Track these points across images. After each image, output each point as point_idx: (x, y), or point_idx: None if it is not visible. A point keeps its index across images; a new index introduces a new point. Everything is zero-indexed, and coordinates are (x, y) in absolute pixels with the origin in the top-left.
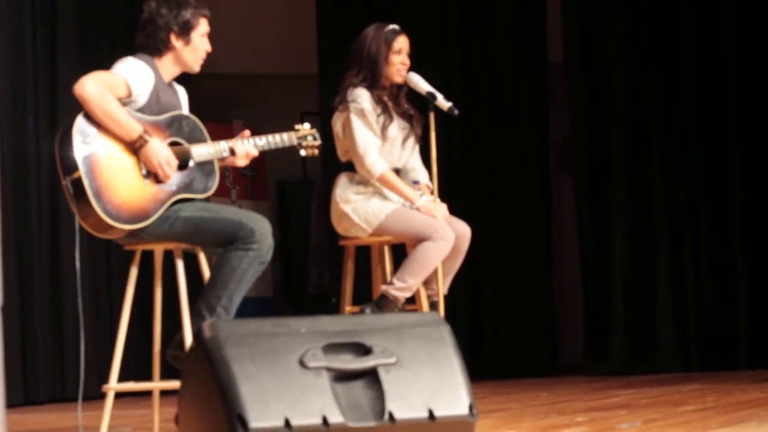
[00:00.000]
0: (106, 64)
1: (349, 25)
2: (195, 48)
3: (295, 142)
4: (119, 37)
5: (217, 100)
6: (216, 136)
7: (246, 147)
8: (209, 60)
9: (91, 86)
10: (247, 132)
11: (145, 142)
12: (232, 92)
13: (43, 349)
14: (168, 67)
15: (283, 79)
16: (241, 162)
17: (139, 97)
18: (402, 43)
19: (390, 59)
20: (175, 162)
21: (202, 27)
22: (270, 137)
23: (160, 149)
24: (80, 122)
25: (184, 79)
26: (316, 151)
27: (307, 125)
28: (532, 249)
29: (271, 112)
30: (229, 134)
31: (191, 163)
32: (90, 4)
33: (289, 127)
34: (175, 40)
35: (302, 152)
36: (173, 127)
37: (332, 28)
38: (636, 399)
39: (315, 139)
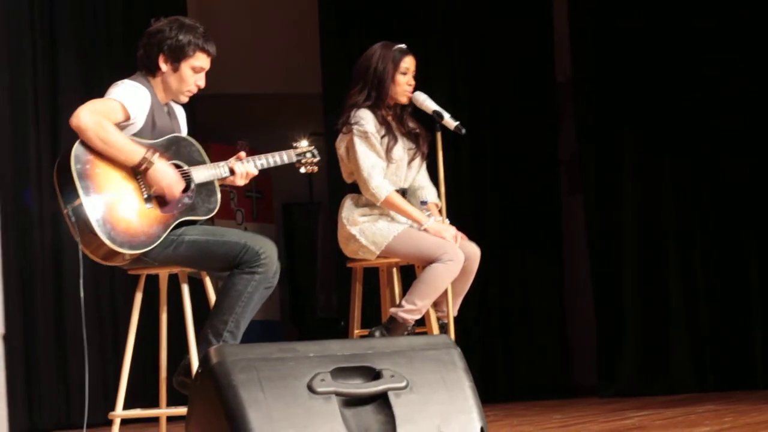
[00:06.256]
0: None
1: (352, 44)
2: (182, 78)
3: (294, 159)
4: (121, 67)
5: (220, 121)
6: (220, 158)
7: (246, 167)
8: (212, 81)
9: (87, 116)
10: (243, 153)
11: (151, 164)
12: (235, 113)
13: (48, 375)
14: (160, 89)
15: (287, 99)
16: (240, 182)
17: (137, 120)
18: (409, 63)
19: (396, 79)
20: (182, 182)
21: (198, 60)
22: (269, 156)
23: (166, 170)
24: (77, 149)
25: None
26: (316, 168)
27: (305, 142)
28: (542, 269)
29: (276, 133)
30: (233, 155)
31: (192, 185)
32: (91, 35)
33: (288, 146)
34: (162, 63)
35: (302, 169)
36: (171, 149)
37: (336, 47)
38: (650, 420)
39: (314, 155)
